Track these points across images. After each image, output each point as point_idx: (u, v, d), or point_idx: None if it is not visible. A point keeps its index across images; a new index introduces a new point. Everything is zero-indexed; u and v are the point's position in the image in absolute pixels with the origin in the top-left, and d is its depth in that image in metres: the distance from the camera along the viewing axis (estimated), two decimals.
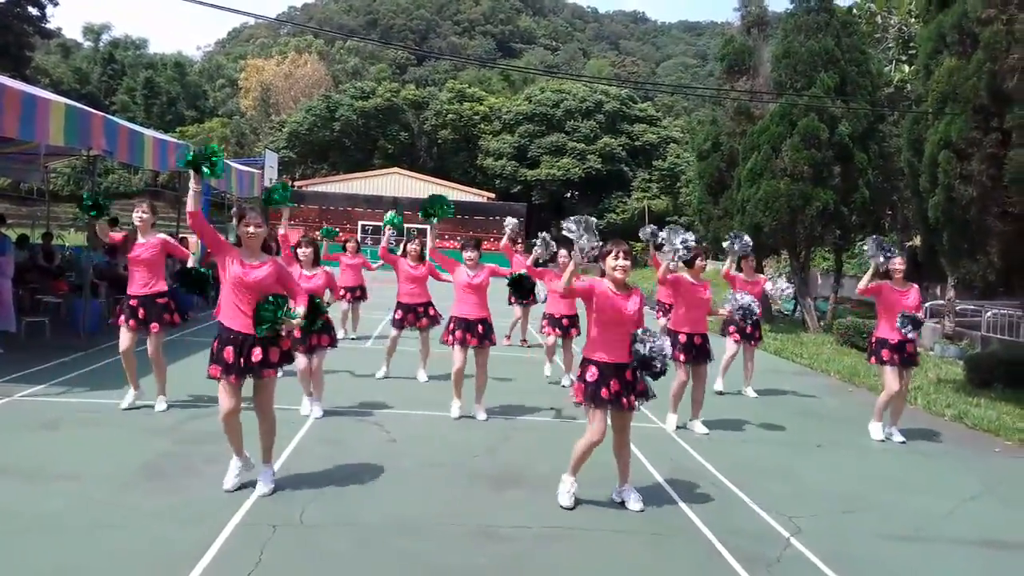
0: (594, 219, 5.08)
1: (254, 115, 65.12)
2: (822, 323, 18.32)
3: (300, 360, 7.05)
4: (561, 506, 5.19)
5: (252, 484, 5.18)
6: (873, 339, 7.94)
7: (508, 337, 12.79)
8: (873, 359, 7.88)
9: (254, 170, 18.87)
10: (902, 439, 7.83)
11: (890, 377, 7.63)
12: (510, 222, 9.74)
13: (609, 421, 5.15)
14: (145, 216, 7.04)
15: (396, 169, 44.08)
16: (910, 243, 20.30)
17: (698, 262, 7.53)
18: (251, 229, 5.03)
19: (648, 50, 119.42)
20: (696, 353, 7.45)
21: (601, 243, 5.01)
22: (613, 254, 5.08)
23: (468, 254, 7.60)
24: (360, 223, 36.66)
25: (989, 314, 15.28)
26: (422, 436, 6.87)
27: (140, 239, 7.02)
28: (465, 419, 7.48)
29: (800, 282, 19.15)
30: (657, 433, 7.51)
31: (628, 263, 5.08)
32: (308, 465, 5.81)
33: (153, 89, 66.50)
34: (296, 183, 43.10)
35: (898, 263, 7.71)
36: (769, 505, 5.51)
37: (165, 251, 7.13)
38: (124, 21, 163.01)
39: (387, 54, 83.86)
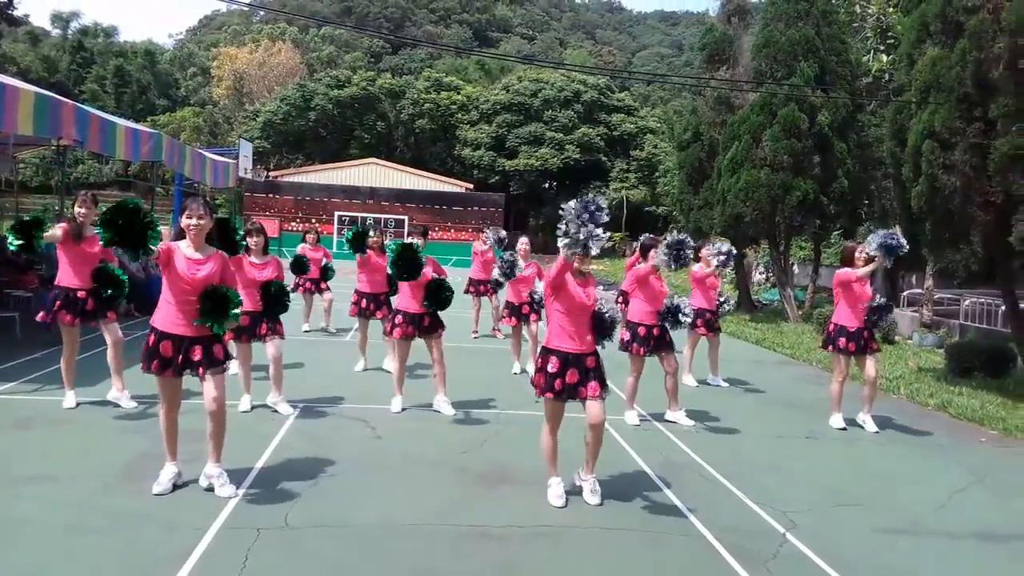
0: (602, 201, 4.83)
1: (227, 104, 64.27)
2: (801, 312, 18.37)
3: (241, 354, 7.03)
4: (554, 507, 5.09)
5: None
6: (832, 326, 7.89)
7: (475, 331, 12.75)
8: (830, 347, 7.87)
9: (229, 160, 18.55)
10: (875, 428, 7.80)
11: (841, 364, 7.80)
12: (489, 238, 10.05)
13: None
14: (87, 212, 6.76)
15: (373, 159, 43.66)
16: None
17: (652, 253, 7.36)
18: (193, 221, 4.77)
19: (624, 40, 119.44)
20: (656, 344, 7.31)
21: (604, 234, 4.83)
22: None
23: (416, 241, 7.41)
24: (336, 214, 36.30)
25: (967, 302, 15.37)
26: (406, 431, 6.74)
27: (88, 232, 6.78)
28: (449, 416, 7.35)
29: (780, 272, 19.19)
30: (645, 428, 7.43)
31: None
32: (291, 465, 5.66)
33: (123, 78, 65.40)
34: (271, 173, 42.57)
35: (863, 251, 7.74)
36: (762, 499, 5.45)
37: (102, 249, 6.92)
38: (93, 8, 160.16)
39: (362, 42, 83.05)
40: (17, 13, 40.98)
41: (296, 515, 4.69)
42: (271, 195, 36.80)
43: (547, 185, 50.71)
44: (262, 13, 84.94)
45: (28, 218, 6.29)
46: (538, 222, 49.82)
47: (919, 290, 17.78)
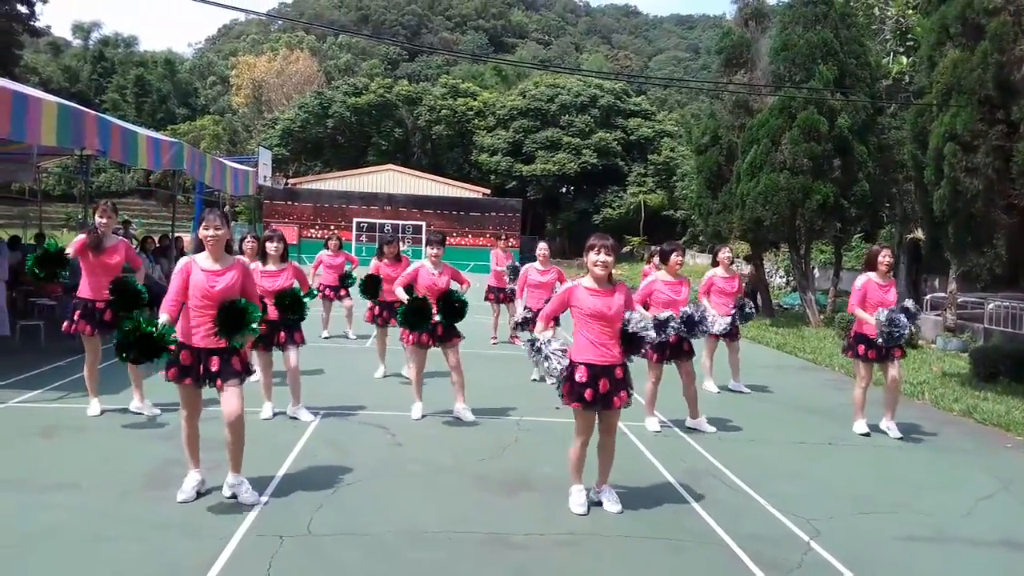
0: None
1: (246, 112, 64.78)
2: (822, 316, 18.24)
3: (292, 356, 7.07)
4: (575, 514, 5.06)
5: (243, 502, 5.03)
6: (852, 332, 7.76)
7: (494, 338, 12.79)
8: (849, 352, 7.78)
9: (248, 168, 18.69)
10: (898, 434, 7.64)
11: (863, 370, 7.64)
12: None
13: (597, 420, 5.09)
14: (107, 220, 6.80)
15: (390, 166, 43.85)
16: (911, 236, 20.23)
17: (673, 258, 7.28)
18: (211, 233, 4.79)
19: (640, 44, 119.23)
20: (671, 352, 7.21)
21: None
22: (595, 250, 4.92)
23: (431, 251, 7.28)
24: (355, 220, 36.47)
25: (991, 306, 15.20)
26: (426, 437, 6.74)
27: (108, 242, 6.79)
28: (469, 424, 7.35)
29: (800, 276, 19.06)
30: (666, 434, 7.39)
31: (610, 259, 4.90)
32: (313, 472, 5.68)
33: (144, 87, 66.11)
34: (290, 181, 42.84)
35: (886, 255, 7.50)
36: (785, 507, 5.40)
37: (126, 258, 6.91)
38: (113, 19, 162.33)
39: (379, 50, 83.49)
40: (39, 24, 41.55)
41: (319, 522, 4.70)
42: (290, 202, 37.05)
43: (564, 190, 50.69)
44: (280, 22, 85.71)
45: (52, 250, 6.39)
46: (555, 227, 49.78)
47: (942, 294, 17.59)
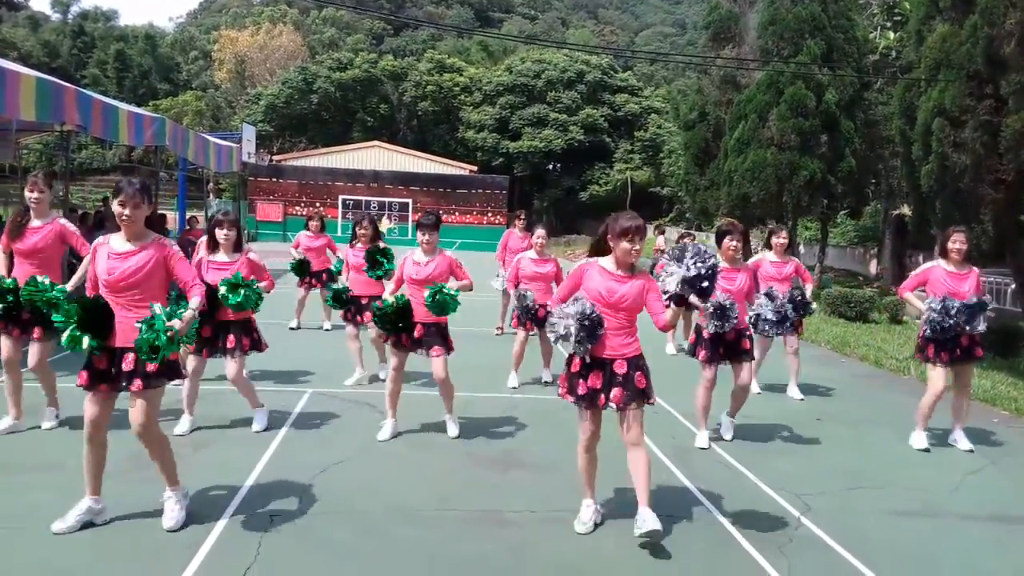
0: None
1: (229, 88, 64.02)
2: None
3: (230, 366, 5.92)
4: (577, 532, 4.46)
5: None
6: (922, 332, 6.55)
7: (500, 328, 11.31)
8: (918, 355, 6.64)
9: (232, 144, 18.47)
10: (969, 447, 6.55)
11: (935, 376, 6.42)
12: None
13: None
14: (41, 195, 5.58)
15: (376, 142, 43.46)
16: (896, 211, 20.30)
17: (726, 242, 6.21)
18: (127, 211, 3.98)
19: (627, 19, 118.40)
20: (727, 350, 6.16)
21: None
22: (629, 237, 4.22)
23: (421, 237, 5.98)
24: (341, 197, 36.20)
25: (991, 279, 15.26)
26: (416, 416, 6.69)
27: (34, 222, 5.60)
28: (460, 396, 7.22)
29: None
30: (652, 409, 7.37)
31: (640, 248, 4.27)
32: (301, 451, 5.64)
33: (125, 62, 65.14)
34: (275, 157, 42.44)
35: (958, 240, 6.34)
36: (776, 483, 5.41)
37: (63, 240, 5.68)
38: None
39: (363, 24, 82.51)
40: None
41: (308, 502, 4.67)
42: (275, 179, 36.69)
43: (551, 167, 50.52)
44: None
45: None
46: (542, 204, 49.66)
47: None
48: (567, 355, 4.49)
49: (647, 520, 4.15)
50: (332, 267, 10.04)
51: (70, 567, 3.78)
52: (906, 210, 19.22)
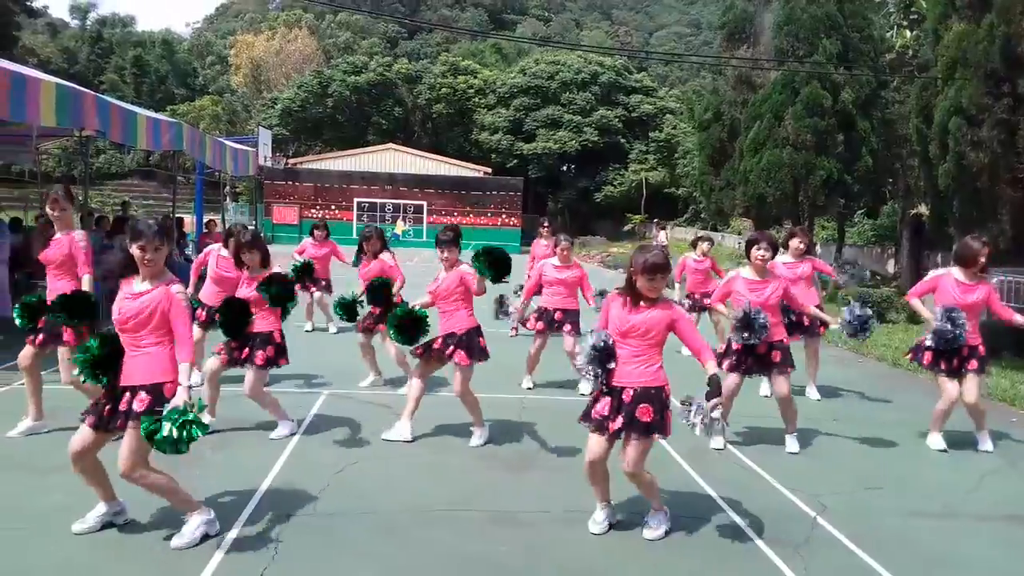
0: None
1: (245, 92, 64.39)
2: (825, 293, 18.19)
3: (211, 361, 6.00)
4: (591, 532, 4.48)
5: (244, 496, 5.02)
6: (923, 337, 6.47)
7: (515, 329, 10.52)
8: (911, 355, 6.62)
9: (248, 148, 18.59)
10: (988, 447, 6.49)
11: (945, 384, 6.32)
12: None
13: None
14: (62, 214, 5.67)
15: (391, 145, 43.60)
16: (914, 211, 20.14)
17: (753, 252, 6.07)
18: (148, 256, 3.99)
19: (641, 19, 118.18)
20: (755, 363, 6.08)
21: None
22: (650, 276, 4.17)
23: (440, 254, 5.98)
24: (356, 200, 36.34)
25: (995, 280, 15.12)
26: (431, 418, 6.71)
27: (57, 235, 5.76)
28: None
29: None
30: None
31: (661, 286, 4.24)
32: (319, 452, 5.69)
33: (142, 68, 65.64)
34: (290, 161, 42.67)
35: (986, 254, 6.15)
36: (791, 483, 5.40)
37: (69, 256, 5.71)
38: None
39: (378, 28, 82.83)
40: (36, 4, 41.27)
41: (325, 501, 4.71)
42: (291, 183, 36.87)
43: (565, 168, 50.41)
44: (277, 0, 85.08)
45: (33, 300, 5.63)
46: (556, 205, 49.63)
47: (945, 270, 17.52)
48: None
49: (651, 526, 4.42)
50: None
51: (90, 566, 3.85)
52: (923, 209, 19.06)
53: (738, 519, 4.73)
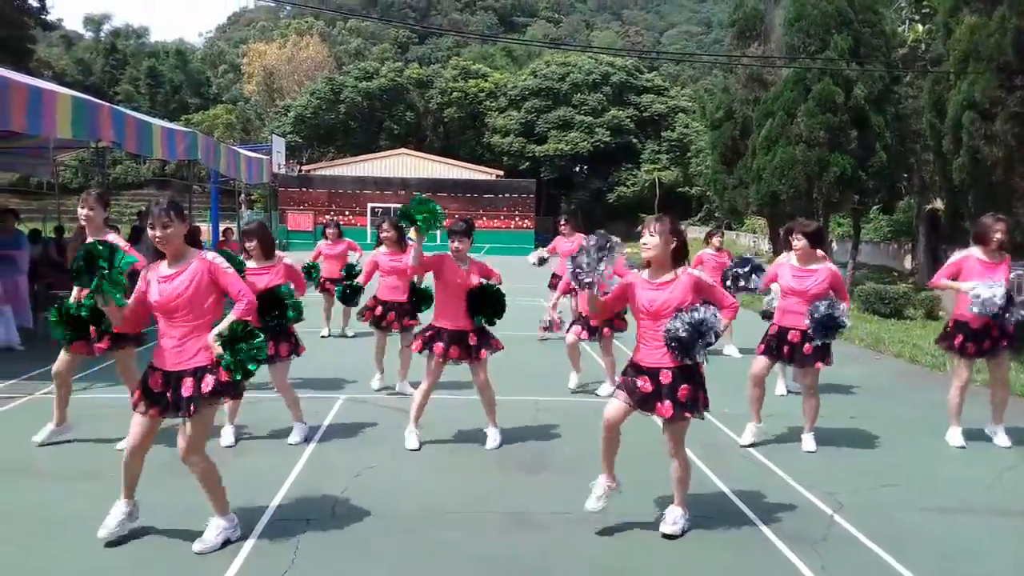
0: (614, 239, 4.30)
1: (258, 100, 64.82)
2: None
3: (273, 374, 6.01)
4: (587, 509, 4.50)
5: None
6: (951, 322, 6.47)
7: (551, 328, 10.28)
8: (943, 343, 6.49)
9: (262, 156, 18.74)
10: (1006, 443, 6.44)
11: (962, 368, 6.36)
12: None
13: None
14: (91, 213, 5.60)
15: (403, 150, 43.79)
16: (929, 206, 20.02)
17: (794, 241, 6.06)
18: (159, 232, 3.96)
19: (651, 19, 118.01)
20: (792, 351, 6.00)
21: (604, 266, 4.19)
22: (643, 231, 4.34)
23: (453, 244, 5.87)
24: (369, 206, 36.50)
25: (1012, 275, 15.01)
26: (445, 420, 6.74)
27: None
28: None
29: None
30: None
31: (654, 239, 4.23)
32: (337, 456, 5.74)
33: (156, 78, 66.30)
34: (304, 167, 42.90)
35: (1000, 229, 6.18)
36: (807, 481, 5.39)
37: None
38: (124, 10, 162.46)
39: (389, 33, 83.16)
40: (51, 17, 41.73)
41: (343, 505, 4.75)
42: (304, 189, 37.10)
43: (578, 169, 50.44)
44: (289, 8, 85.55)
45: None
46: (569, 206, 49.61)
47: None
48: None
49: (667, 522, 4.42)
50: (354, 264, 9.96)
51: (113, 569, 3.90)
52: (939, 204, 18.95)
53: (755, 517, 4.73)
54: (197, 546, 4.09)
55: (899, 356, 10.76)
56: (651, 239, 4.24)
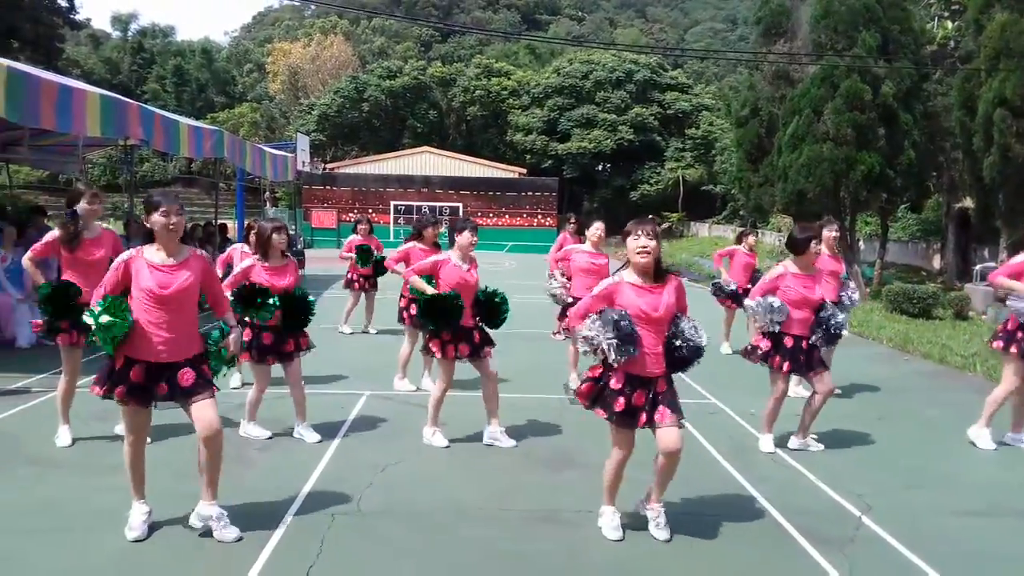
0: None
1: (283, 99, 65.22)
2: (868, 289, 17.93)
3: (292, 369, 6.01)
4: (609, 540, 4.39)
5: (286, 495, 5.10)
6: (1006, 323, 6.21)
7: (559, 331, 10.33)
8: (999, 344, 6.20)
9: (287, 154, 18.85)
10: None
11: (1010, 371, 6.16)
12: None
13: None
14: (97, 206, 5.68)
15: (426, 148, 43.86)
16: (959, 205, 19.74)
17: (812, 246, 5.82)
18: (173, 220, 4.01)
19: (676, 16, 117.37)
20: (808, 360, 5.86)
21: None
22: (633, 234, 4.15)
23: (474, 239, 5.92)
24: (392, 203, 36.63)
25: None
26: (471, 417, 6.74)
27: (87, 235, 5.69)
28: (513, 398, 7.27)
29: (846, 249, 18.74)
30: (708, 408, 7.34)
31: (653, 243, 4.12)
32: (361, 451, 5.77)
33: (182, 76, 66.88)
34: (328, 165, 43.14)
35: None
36: (835, 482, 5.34)
37: (113, 252, 5.63)
38: (151, 9, 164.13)
39: (412, 32, 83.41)
40: (79, 17, 42.25)
41: (368, 500, 4.78)
42: (328, 187, 37.28)
43: (601, 167, 50.25)
44: (313, 7, 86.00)
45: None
46: (592, 205, 49.45)
47: (993, 264, 17.17)
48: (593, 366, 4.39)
49: (665, 524, 4.41)
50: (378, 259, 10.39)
51: (141, 565, 3.94)
52: (969, 203, 18.69)
53: (782, 519, 4.69)
54: (229, 535, 4.16)
55: (927, 356, 10.63)
56: (650, 242, 4.12)
